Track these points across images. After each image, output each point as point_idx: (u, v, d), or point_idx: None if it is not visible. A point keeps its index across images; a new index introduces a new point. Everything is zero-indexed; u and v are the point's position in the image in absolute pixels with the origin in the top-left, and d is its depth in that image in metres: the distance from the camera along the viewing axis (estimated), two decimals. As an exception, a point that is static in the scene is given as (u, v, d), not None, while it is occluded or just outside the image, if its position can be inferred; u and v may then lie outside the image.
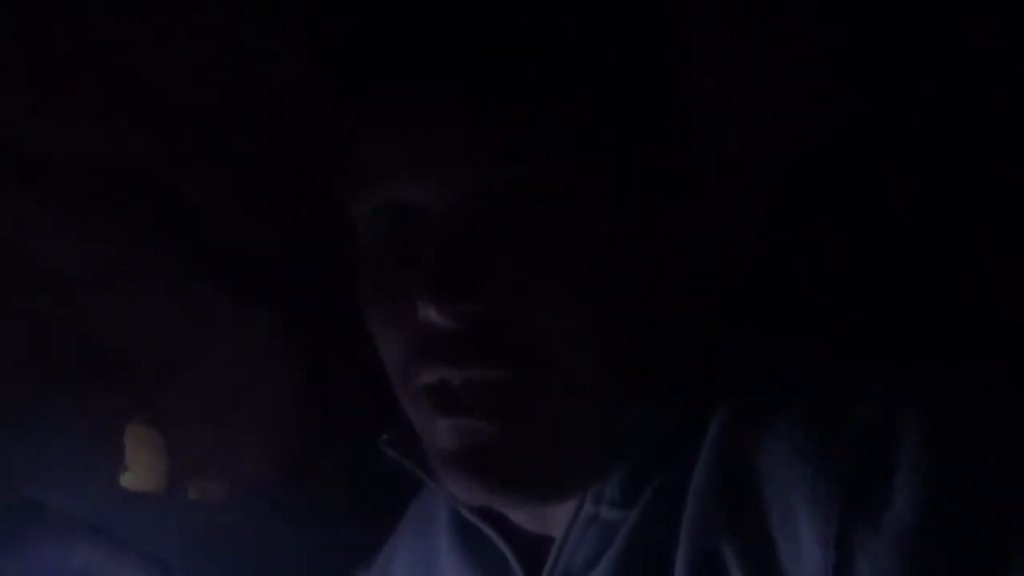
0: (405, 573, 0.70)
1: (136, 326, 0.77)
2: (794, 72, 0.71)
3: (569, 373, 0.52)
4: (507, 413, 0.52)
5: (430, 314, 0.50)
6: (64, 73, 0.70)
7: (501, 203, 0.51)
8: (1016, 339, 0.63)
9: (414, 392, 0.54)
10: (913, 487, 0.45)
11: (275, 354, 0.79)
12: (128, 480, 0.76)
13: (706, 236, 0.62)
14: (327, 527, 0.79)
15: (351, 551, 0.75)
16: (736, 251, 0.72)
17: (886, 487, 0.46)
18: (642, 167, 0.54)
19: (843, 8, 0.69)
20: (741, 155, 0.73)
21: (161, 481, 0.77)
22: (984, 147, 0.68)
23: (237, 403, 0.80)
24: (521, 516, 0.60)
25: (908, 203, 0.71)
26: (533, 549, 0.59)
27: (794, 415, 0.51)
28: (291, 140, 0.75)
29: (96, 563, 0.57)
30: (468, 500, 0.57)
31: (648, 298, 0.55)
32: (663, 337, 0.56)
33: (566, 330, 0.52)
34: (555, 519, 0.58)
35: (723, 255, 0.70)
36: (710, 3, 0.70)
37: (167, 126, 0.73)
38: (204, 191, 0.76)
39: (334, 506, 0.80)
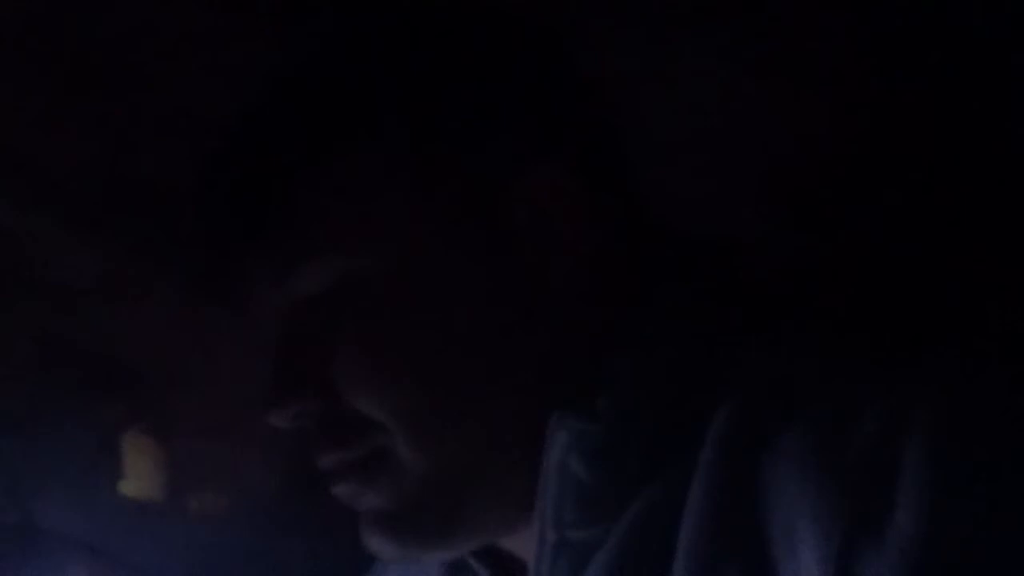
0: None
1: (141, 337, 0.77)
2: (794, 76, 0.71)
3: (422, 435, 0.54)
4: (381, 483, 0.55)
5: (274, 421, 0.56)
6: (70, 85, 0.70)
7: (306, 311, 0.55)
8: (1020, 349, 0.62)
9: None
10: (916, 503, 0.44)
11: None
12: (127, 490, 0.77)
13: (697, 244, 0.61)
14: (327, 541, 0.79)
15: (349, 564, 0.75)
16: (737, 260, 0.71)
17: (888, 503, 0.45)
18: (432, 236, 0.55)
19: (849, 8, 0.68)
20: (750, 162, 0.73)
21: (161, 491, 0.77)
22: (991, 149, 0.68)
23: (239, 414, 0.79)
24: (504, 541, 0.60)
25: (913, 208, 0.70)
26: (519, 571, 0.59)
27: (794, 432, 0.50)
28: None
29: (96, 577, 0.57)
30: (391, 559, 0.62)
31: (524, 329, 0.55)
32: (578, 358, 0.56)
33: (403, 400, 0.54)
34: (531, 543, 0.57)
35: (721, 264, 0.69)
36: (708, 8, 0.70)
37: (173, 138, 0.73)
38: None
39: (334, 520, 0.79)
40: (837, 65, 0.71)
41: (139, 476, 0.77)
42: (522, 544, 0.58)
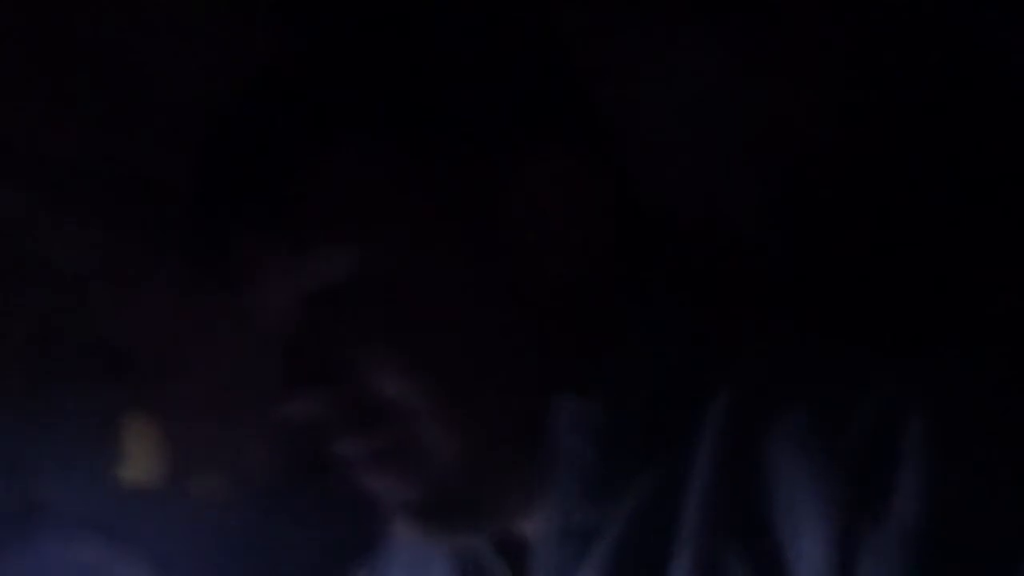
0: (403, 572, 0.70)
1: (140, 321, 0.77)
2: (796, 67, 0.71)
3: (447, 422, 0.54)
4: (412, 470, 0.55)
5: (292, 410, 0.56)
6: (68, 73, 0.70)
7: (323, 298, 0.55)
8: (1017, 332, 0.63)
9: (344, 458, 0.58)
10: (917, 482, 0.45)
11: (277, 349, 0.79)
12: (128, 474, 0.76)
13: (702, 231, 0.62)
14: (329, 525, 0.79)
15: (352, 548, 0.76)
16: (741, 242, 0.72)
17: (890, 483, 0.45)
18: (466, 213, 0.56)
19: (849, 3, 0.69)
20: (747, 150, 0.73)
21: (161, 476, 0.77)
22: (990, 142, 0.68)
23: (240, 399, 0.80)
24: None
25: (912, 198, 0.71)
26: (523, 552, 0.59)
27: (797, 411, 0.50)
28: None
29: (99, 562, 0.57)
30: (427, 544, 0.62)
31: (534, 317, 0.56)
32: (588, 344, 0.56)
33: (424, 387, 0.54)
34: (537, 525, 0.58)
35: (721, 251, 0.70)
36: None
37: (172, 124, 0.73)
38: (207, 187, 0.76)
39: (334, 503, 0.80)
40: (834, 58, 0.72)
41: (139, 460, 0.77)
42: (530, 527, 0.58)
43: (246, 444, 0.79)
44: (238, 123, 0.58)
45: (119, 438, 0.75)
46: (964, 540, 0.44)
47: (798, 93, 0.72)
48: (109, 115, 0.73)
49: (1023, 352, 0.50)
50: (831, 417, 0.49)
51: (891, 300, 0.69)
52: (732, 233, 0.72)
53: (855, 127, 0.71)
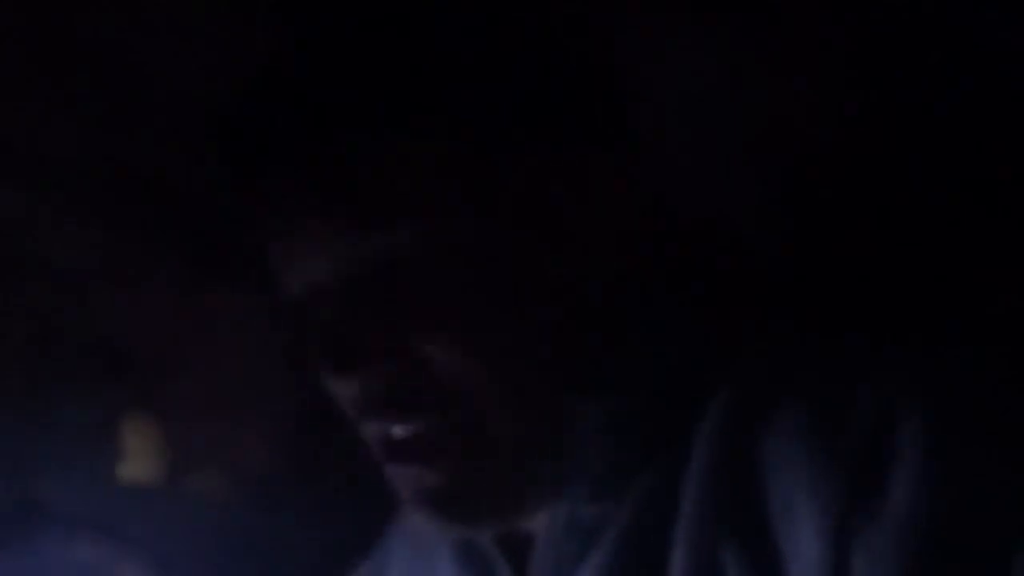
0: (403, 567, 0.70)
1: (140, 319, 0.77)
2: (800, 65, 0.71)
3: (492, 411, 0.54)
4: (444, 458, 0.55)
5: (337, 387, 0.56)
6: (68, 72, 0.70)
7: (375, 273, 0.54)
8: (1016, 331, 0.63)
9: (369, 441, 0.58)
10: (913, 478, 0.45)
11: (276, 347, 0.79)
12: (128, 473, 0.77)
13: (702, 231, 0.62)
14: (327, 520, 0.80)
15: (352, 543, 0.76)
16: (741, 240, 0.72)
17: (886, 479, 0.46)
18: (520, 204, 0.56)
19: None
20: (748, 148, 0.73)
21: (160, 474, 0.77)
22: (990, 142, 0.68)
23: (238, 396, 0.80)
24: None
25: (912, 198, 0.71)
26: (525, 548, 0.59)
27: (794, 407, 0.50)
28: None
29: (99, 560, 0.57)
30: (440, 533, 0.62)
31: (570, 308, 0.56)
32: (614, 338, 0.57)
33: (476, 370, 0.54)
34: (541, 519, 0.58)
35: (727, 243, 0.70)
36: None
37: (172, 124, 0.73)
38: (209, 188, 0.76)
39: (334, 499, 0.80)
40: (834, 58, 0.72)
41: (139, 459, 0.77)
42: (533, 523, 0.59)
43: (246, 443, 0.79)
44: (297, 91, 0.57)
45: (119, 437, 0.76)
46: (960, 539, 0.44)
47: (798, 93, 0.72)
48: (109, 115, 0.74)
49: (1021, 352, 0.49)
50: (829, 416, 0.49)
51: (890, 300, 0.69)
52: (732, 233, 0.72)
53: (855, 127, 0.71)
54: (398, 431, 0.56)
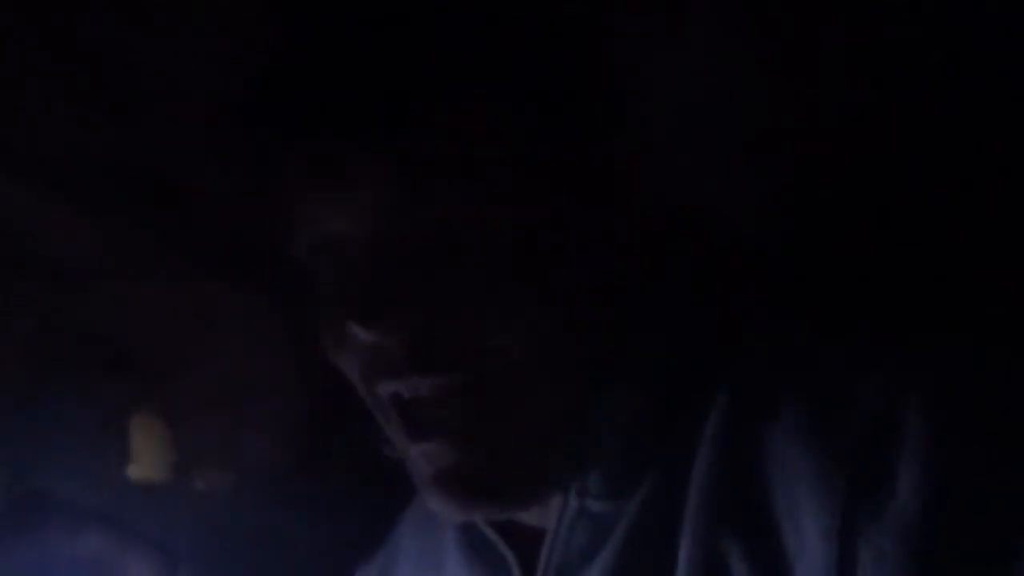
0: (410, 563, 0.70)
1: (144, 316, 0.77)
2: (801, 63, 0.71)
3: (516, 378, 0.54)
4: (466, 434, 0.54)
5: (362, 335, 0.53)
6: (69, 68, 0.70)
7: (415, 235, 0.54)
8: (1017, 328, 0.63)
9: (380, 406, 0.57)
10: (916, 476, 0.45)
11: (281, 343, 0.80)
12: (134, 471, 0.77)
13: (703, 229, 0.62)
14: (333, 516, 0.79)
15: (358, 540, 0.76)
16: (742, 237, 0.72)
17: (890, 476, 0.46)
18: (559, 178, 0.55)
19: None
20: (749, 146, 0.73)
21: (166, 472, 0.78)
22: (990, 142, 0.68)
23: (244, 392, 0.80)
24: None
25: (912, 197, 0.71)
26: (532, 543, 0.59)
27: (797, 405, 0.51)
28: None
29: (106, 552, 0.57)
30: (450, 517, 0.60)
31: (597, 295, 0.56)
32: (636, 329, 0.57)
33: (503, 337, 0.53)
34: (550, 514, 0.58)
35: (728, 241, 0.70)
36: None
37: (174, 118, 0.73)
38: (212, 183, 0.77)
39: (340, 495, 0.80)
40: (834, 58, 0.72)
41: (144, 456, 0.77)
42: (543, 513, 0.59)
43: (251, 439, 0.79)
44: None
45: (124, 434, 0.76)
46: (964, 537, 0.44)
47: (798, 93, 0.72)
48: (113, 110, 0.74)
49: (1022, 348, 0.50)
50: (832, 415, 0.49)
51: (891, 298, 0.69)
52: (733, 231, 0.72)
53: (855, 126, 0.72)
54: (407, 389, 0.55)
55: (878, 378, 0.49)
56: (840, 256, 0.72)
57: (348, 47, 0.54)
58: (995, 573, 0.43)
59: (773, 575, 0.48)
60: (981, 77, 0.68)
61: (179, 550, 0.60)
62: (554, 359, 0.54)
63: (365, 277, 0.53)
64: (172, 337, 0.79)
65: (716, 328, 0.58)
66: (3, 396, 0.74)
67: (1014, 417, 0.46)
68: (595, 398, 0.55)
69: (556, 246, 0.55)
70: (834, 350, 0.54)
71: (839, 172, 0.73)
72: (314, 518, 0.80)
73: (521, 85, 0.55)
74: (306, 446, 0.79)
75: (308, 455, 0.79)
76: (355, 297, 0.53)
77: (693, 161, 0.73)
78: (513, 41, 0.55)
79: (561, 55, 0.57)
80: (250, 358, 0.79)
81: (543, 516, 0.59)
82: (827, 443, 0.48)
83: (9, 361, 0.75)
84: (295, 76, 0.55)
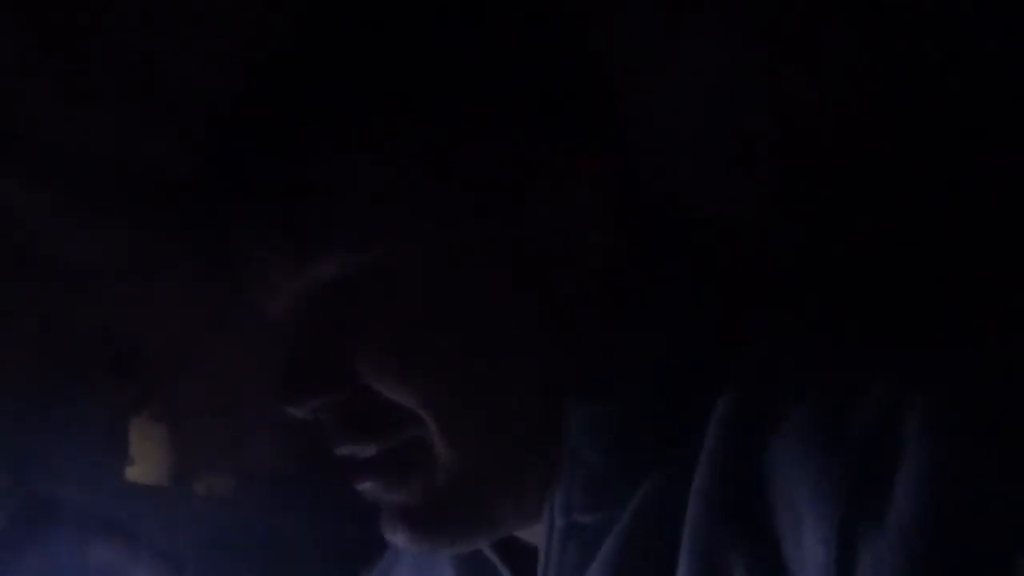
0: (407, 572, 0.70)
1: (149, 317, 0.77)
2: (802, 64, 0.71)
3: (454, 426, 0.54)
4: (409, 474, 0.55)
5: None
6: (79, 65, 0.70)
7: (327, 299, 0.54)
8: (1019, 330, 0.63)
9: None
10: (915, 482, 0.44)
11: (283, 346, 0.79)
12: (135, 475, 0.77)
13: (703, 230, 0.62)
14: (336, 522, 0.80)
15: (360, 542, 0.76)
16: (743, 239, 0.72)
17: (888, 483, 0.45)
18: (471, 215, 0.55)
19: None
20: (750, 147, 0.73)
21: (168, 475, 0.77)
22: (990, 141, 0.68)
23: (246, 396, 0.80)
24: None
25: (911, 194, 0.71)
26: (529, 559, 0.59)
27: (795, 413, 0.50)
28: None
29: (113, 559, 0.57)
30: (411, 550, 0.60)
31: (544, 320, 0.55)
32: (638, 331, 0.56)
33: (434, 392, 0.53)
34: (543, 531, 0.57)
35: (730, 243, 0.70)
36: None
37: (183, 120, 0.73)
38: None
39: (342, 500, 0.80)
40: (834, 58, 0.72)
41: (147, 458, 0.77)
42: (535, 532, 0.58)
43: (255, 441, 0.79)
44: (245, 113, 0.57)
45: (127, 436, 0.76)
46: (965, 542, 0.43)
47: (798, 93, 0.72)
48: (117, 109, 0.73)
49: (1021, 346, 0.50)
50: (831, 421, 0.48)
51: (892, 299, 0.69)
52: (733, 232, 0.72)
53: (856, 126, 0.72)
54: (362, 452, 0.55)
55: (878, 385, 0.48)
56: (841, 259, 0.72)
57: (244, 119, 0.56)
58: None
59: None
60: (982, 78, 0.68)
61: (180, 554, 0.60)
62: (492, 402, 0.54)
63: (290, 354, 0.55)
64: (174, 339, 0.79)
65: (716, 332, 0.57)
66: (4, 398, 0.74)
67: (1014, 424, 0.45)
68: (555, 422, 0.54)
69: (484, 282, 0.54)
70: (834, 356, 0.53)
71: (838, 173, 0.73)
72: (316, 523, 0.80)
73: (425, 125, 0.54)
74: (308, 450, 0.79)
75: (310, 459, 0.79)
76: (280, 378, 0.55)
77: (692, 162, 0.73)
78: (507, 44, 0.55)
79: (552, 57, 0.57)
80: (252, 361, 0.79)
81: (538, 533, 0.58)
82: (827, 448, 0.48)
83: (10, 362, 0.75)
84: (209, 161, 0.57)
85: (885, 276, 0.70)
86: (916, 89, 0.70)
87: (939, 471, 0.44)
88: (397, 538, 0.56)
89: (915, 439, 0.45)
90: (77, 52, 0.70)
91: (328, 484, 0.78)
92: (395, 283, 0.53)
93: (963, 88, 0.68)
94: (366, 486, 0.56)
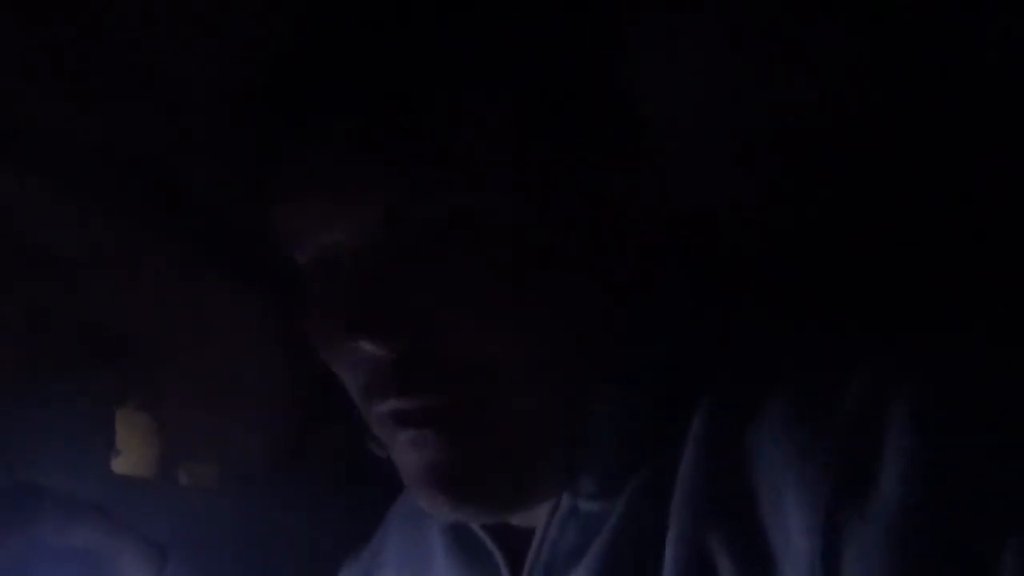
0: (396, 560, 0.70)
1: (133, 308, 0.77)
2: (795, 61, 0.71)
3: (513, 386, 0.54)
4: (458, 429, 0.54)
5: (354, 347, 0.54)
6: (64, 55, 0.69)
7: (411, 239, 0.53)
8: (1003, 320, 0.63)
9: (376, 418, 0.56)
10: (899, 470, 0.45)
11: (271, 338, 0.79)
12: (119, 465, 0.76)
13: (691, 222, 0.62)
14: (320, 511, 0.79)
15: (344, 535, 0.76)
16: (728, 237, 0.72)
17: (873, 471, 0.46)
18: (556, 180, 0.56)
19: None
20: (748, 146, 0.73)
21: (152, 466, 0.77)
22: (990, 141, 0.69)
23: (231, 386, 0.79)
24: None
25: (901, 189, 0.71)
26: (520, 543, 0.59)
27: (781, 401, 0.51)
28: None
29: (97, 544, 0.56)
30: (439, 515, 0.60)
31: (595, 298, 0.56)
32: (630, 330, 0.57)
33: (500, 347, 0.53)
34: (540, 514, 0.58)
35: (714, 241, 0.70)
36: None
37: (167, 108, 0.72)
38: (203, 173, 0.76)
39: (327, 490, 0.80)
40: (834, 58, 0.72)
41: (130, 450, 0.76)
42: (531, 513, 0.59)
43: (242, 432, 0.79)
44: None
45: (112, 425, 0.75)
46: (950, 532, 0.44)
47: (798, 93, 0.73)
48: (106, 98, 0.73)
49: (1012, 343, 0.50)
50: (817, 409, 0.49)
51: (879, 291, 0.70)
52: (727, 229, 0.73)
53: (854, 125, 0.72)
54: (407, 406, 0.54)
55: (864, 374, 0.49)
56: (825, 254, 0.73)
57: (354, 47, 0.54)
58: (979, 569, 0.43)
59: (759, 572, 0.48)
60: (982, 78, 0.68)
61: (170, 542, 0.59)
62: (548, 368, 0.55)
63: (361, 289, 0.53)
64: (162, 330, 0.79)
65: (708, 327, 0.58)
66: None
67: (998, 413, 0.46)
68: (589, 402, 0.55)
69: (556, 250, 0.55)
70: (818, 347, 0.54)
71: (836, 172, 0.73)
72: (301, 514, 0.79)
73: (527, 86, 0.55)
74: (294, 442, 0.79)
75: (296, 451, 0.79)
76: (350, 309, 0.53)
77: (689, 161, 0.73)
78: (519, 41, 0.56)
79: (566, 56, 0.57)
80: (240, 353, 0.79)
81: (531, 516, 0.58)
82: (811, 439, 0.48)
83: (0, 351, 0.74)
84: (299, 77, 0.55)
85: (868, 271, 0.71)
86: (915, 89, 0.70)
87: (923, 461, 0.45)
88: (428, 501, 0.55)
89: (900, 427, 0.46)
90: (64, 43, 0.70)
91: (313, 475, 0.78)
92: (487, 235, 0.53)
93: (962, 88, 0.69)
94: (411, 436, 0.55)
